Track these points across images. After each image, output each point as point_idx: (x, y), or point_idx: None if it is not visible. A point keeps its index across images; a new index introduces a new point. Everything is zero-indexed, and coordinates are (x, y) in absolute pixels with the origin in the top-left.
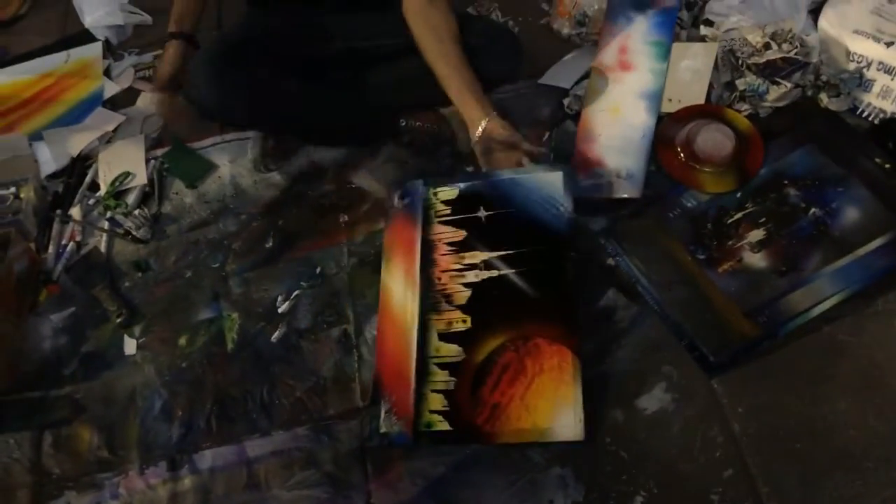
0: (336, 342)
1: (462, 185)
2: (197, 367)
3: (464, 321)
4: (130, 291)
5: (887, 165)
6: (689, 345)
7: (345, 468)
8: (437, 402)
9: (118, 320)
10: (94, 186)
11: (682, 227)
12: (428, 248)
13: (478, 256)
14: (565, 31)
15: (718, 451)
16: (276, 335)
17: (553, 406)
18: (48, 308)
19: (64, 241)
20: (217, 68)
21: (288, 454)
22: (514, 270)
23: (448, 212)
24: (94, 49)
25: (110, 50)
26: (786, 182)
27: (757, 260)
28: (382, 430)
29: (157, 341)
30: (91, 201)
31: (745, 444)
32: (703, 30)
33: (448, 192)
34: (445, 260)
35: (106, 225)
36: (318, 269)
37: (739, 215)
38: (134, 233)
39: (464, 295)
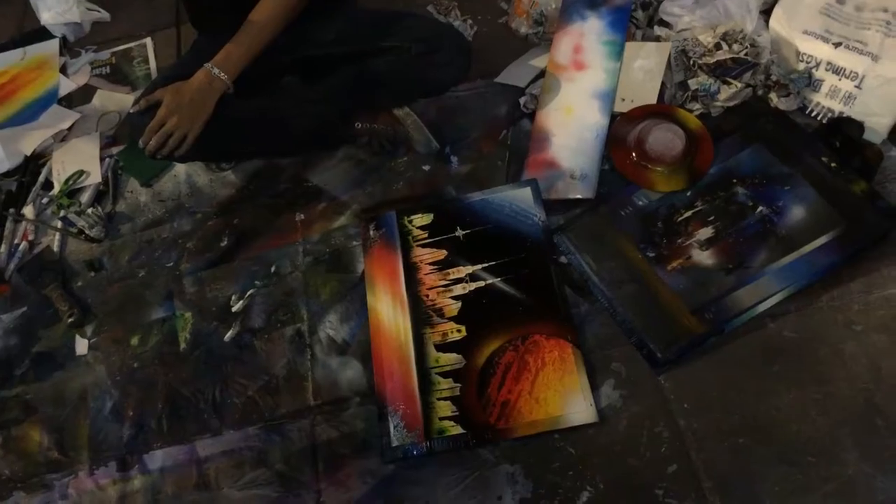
0: (289, 342)
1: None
2: (149, 367)
3: (458, 331)
4: (83, 291)
5: (833, 164)
6: (638, 342)
7: (296, 467)
8: (445, 408)
9: (70, 320)
10: (48, 185)
11: (633, 225)
12: (411, 270)
13: (462, 271)
14: (523, 29)
15: (664, 447)
16: (229, 334)
17: (562, 395)
18: None
19: (16, 241)
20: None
21: (239, 453)
22: (500, 278)
23: (426, 235)
24: (51, 46)
25: (67, 47)
26: (735, 181)
27: (705, 258)
28: (395, 443)
29: (109, 341)
30: (44, 200)
31: (689, 440)
32: (658, 30)
33: (422, 217)
34: (430, 278)
35: (59, 224)
36: (272, 268)
37: (689, 214)
38: (87, 232)
39: (454, 307)
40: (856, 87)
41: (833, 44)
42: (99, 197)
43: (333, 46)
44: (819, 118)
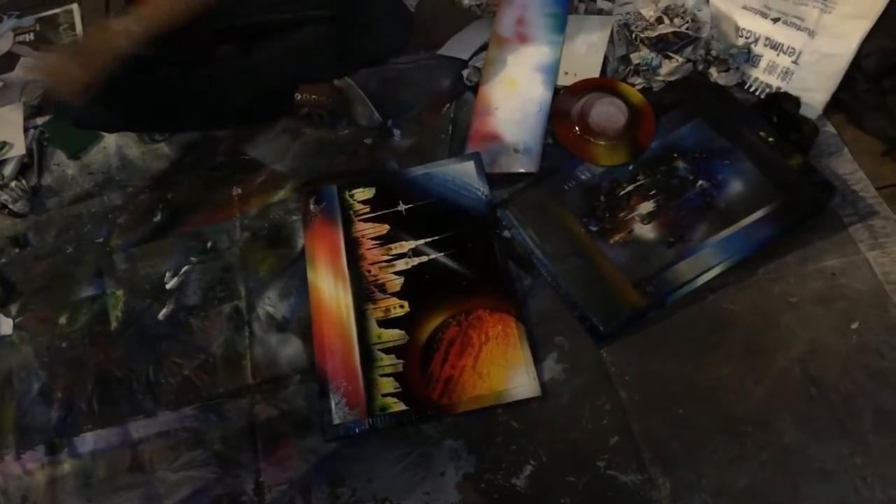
0: (227, 319)
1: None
2: (78, 347)
3: (401, 306)
4: (7, 268)
5: (771, 139)
6: (581, 315)
7: (234, 447)
8: (388, 385)
9: None
10: None
11: (576, 199)
12: (353, 245)
13: (405, 246)
14: (466, 1)
15: (605, 419)
16: (163, 312)
17: (505, 370)
18: None
19: None
20: None
21: (174, 434)
22: (443, 253)
23: (367, 210)
24: None
25: None
26: (675, 155)
27: (646, 231)
28: (336, 421)
29: (36, 320)
30: None
31: (630, 412)
32: (601, 3)
33: (364, 192)
34: (372, 253)
35: None
36: (208, 244)
37: (631, 188)
38: (10, 206)
39: (396, 282)
40: (793, 62)
41: (772, 19)
42: (23, 170)
43: (271, 12)
44: (757, 93)
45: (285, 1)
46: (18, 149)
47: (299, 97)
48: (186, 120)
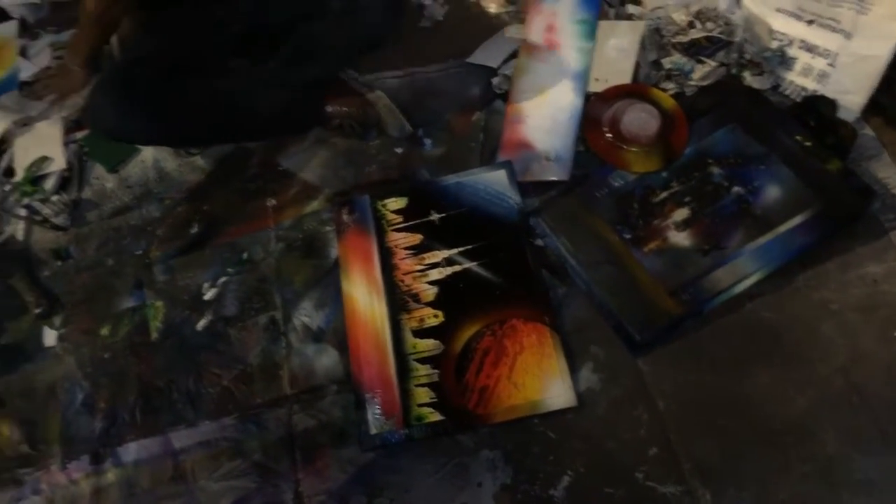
0: (263, 329)
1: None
2: (120, 358)
3: (435, 316)
4: (50, 281)
5: (807, 143)
6: (616, 324)
7: (273, 457)
8: (423, 395)
9: (37, 311)
10: (11, 172)
11: (609, 206)
12: (386, 255)
13: (438, 255)
14: (494, 9)
15: (643, 430)
16: (201, 323)
17: (540, 379)
18: None
19: None
20: (119, 95)
21: (215, 444)
22: (476, 263)
23: (400, 220)
24: (9, 28)
25: (26, 29)
26: (710, 161)
27: (681, 239)
28: (373, 431)
29: (79, 332)
30: (7, 188)
31: (669, 422)
32: (631, 8)
33: (397, 201)
34: (406, 263)
35: (23, 212)
36: (244, 255)
37: (665, 194)
38: (52, 220)
39: (431, 292)
40: (829, 64)
41: (806, 21)
42: (64, 183)
43: (263, 16)
44: (792, 96)
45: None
46: (59, 163)
47: (330, 109)
48: (218, 134)
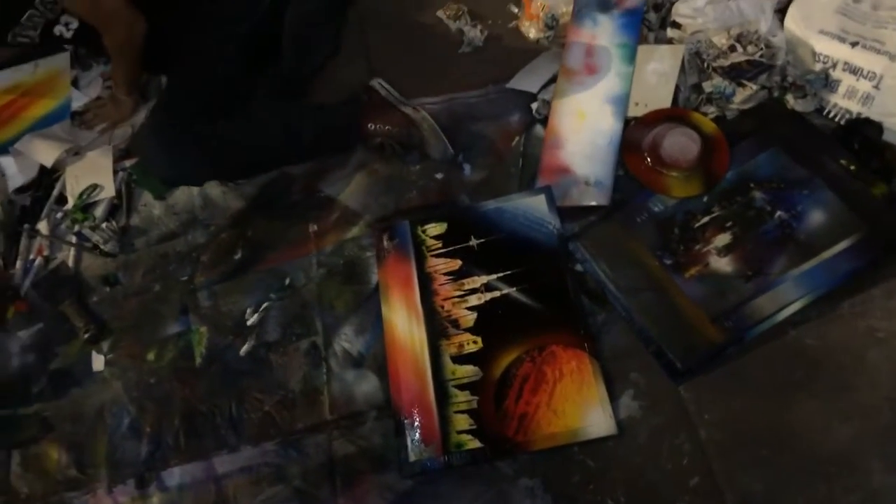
0: (305, 355)
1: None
2: (165, 383)
3: (474, 342)
4: (99, 306)
5: (852, 167)
6: (657, 351)
7: (314, 483)
8: (462, 422)
9: (86, 336)
10: (62, 199)
11: (649, 231)
12: (426, 280)
13: (477, 281)
14: (534, 34)
15: (685, 459)
16: (244, 348)
17: (580, 407)
18: (16, 325)
19: (31, 256)
20: (168, 143)
21: (256, 470)
22: (515, 288)
23: (440, 245)
24: (62, 59)
25: (79, 59)
26: (752, 185)
27: (723, 264)
28: (412, 458)
29: (126, 357)
30: (59, 215)
31: (711, 452)
32: (670, 32)
33: (436, 227)
34: (445, 289)
35: (74, 239)
36: (286, 281)
37: (706, 219)
38: (102, 246)
39: (470, 318)
40: (874, 87)
41: (850, 43)
42: (113, 211)
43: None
44: (837, 119)
45: None
46: (109, 191)
47: (372, 127)
48: (264, 163)
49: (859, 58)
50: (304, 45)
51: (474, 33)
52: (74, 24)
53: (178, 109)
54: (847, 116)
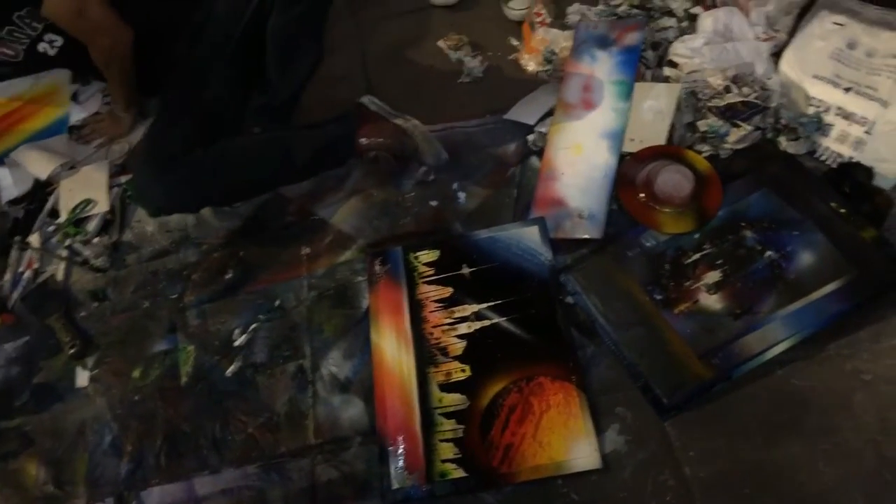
0: (291, 378)
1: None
2: (149, 401)
3: (462, 370)
4: (86, 321)
5: (842, 210)
6: (644, 386)
7: None
8: (447, 450)
9: (71, 351)
10: (55, 213)
11: (640, 266)
12: (416, 307)
13: (467, 309)
14: (533, 67)
15: (669, 495)
16: (231, 369)
17: (566, 439)
18: (2, 337)
19: (21, 269)
20: (160, 174)
21: (237, 492)
22: (505, 318)
23: (432, 272)
24: (62, 74)
25: (79, 75)
26: (743, 224)
27: (713, 302)
28: (395, 486)
29: (110, 373)
30: (51, 228)
31: (696, 489)
32: (667, 71)
33: (429, 254)
34: (435, 316)
35: (64, 253)
36: (276, 302)
37: (697, 256)
38: (92, 261)
39: (459, 346)
40: (865, 132)
41: (843, 89)
42: (106, 226)
43: (238, 21)
44: (828, 162)
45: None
46: (102, 206)
47: (365, 141)
48: (258, 186)
49: (852, 103)
50: (288, 55)
51: (474, 64)
52: (59, 42)
53: (170, 137)
54: (838, 160)
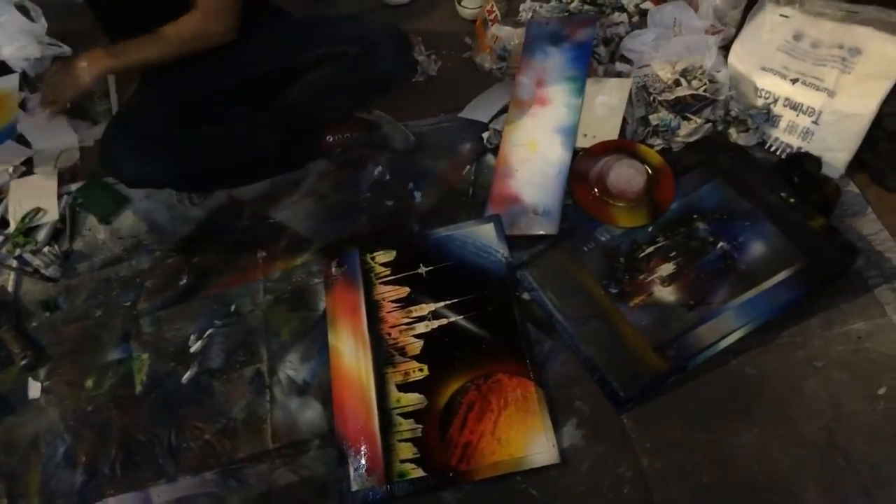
0: (248, 383)
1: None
2: (103, 411)
3: (420, 370)
4: (37, 332)
5: (792, 200)
6: (601, 380)
7: None
8: (406, 450)
9: (22, 363)
10: (4, 223)
11: (595, 261)
12: (373, 307)
13: (425, 309)
14: (487, 65)
15: (627, 488)
16: (186, 376)
17: (524, 436)
18: None
19: None
20: (134, 140)
21: (194, 500)
22: (462, 316)
23: (388, 272)
24: (10, 81)
25: (27, 82)
26: (696, 216)
27: (667, 294)
28: (354, 488)
29: (63, 384)
30: None
31: (652, 480)
32: (619, 66)
33: (385, 254)
34: (393, 316)
35: (14, 263)
36: (232, 307)
37: (651, 249)
38: (43, 271)
39: (416, 345)
40: (813, 122)
41: (791, 80)
42: (56, 235)
43: (273, 62)
44: (778, 153)
45: (286, 48)
46: (52, 215)
47: (332, 139)
48: (227, 174)
49: (800, 94)
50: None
51: (428, 63)
52: None
53: (151, 115)
54: (788, 150)
